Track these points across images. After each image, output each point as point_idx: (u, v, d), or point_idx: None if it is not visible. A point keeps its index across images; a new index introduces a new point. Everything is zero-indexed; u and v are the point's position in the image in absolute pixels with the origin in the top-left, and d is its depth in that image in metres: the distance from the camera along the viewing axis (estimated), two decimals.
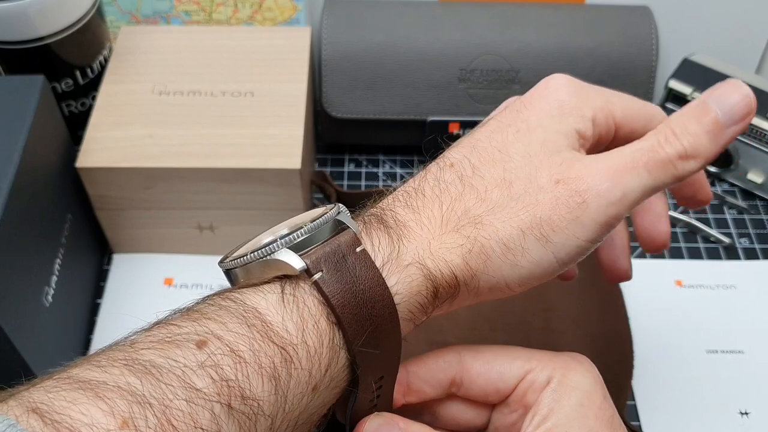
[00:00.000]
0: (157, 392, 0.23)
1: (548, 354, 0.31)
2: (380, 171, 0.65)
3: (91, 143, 0.51)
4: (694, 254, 0.60)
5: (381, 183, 0.64)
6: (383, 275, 0.28)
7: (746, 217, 0.62)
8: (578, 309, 0.55)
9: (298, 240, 0.27)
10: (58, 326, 0.48)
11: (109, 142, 0.51)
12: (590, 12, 0.62)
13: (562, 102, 0.32)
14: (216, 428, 0.23)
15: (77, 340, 0.52)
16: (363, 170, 0.65)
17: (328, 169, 0.65)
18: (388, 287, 0.28)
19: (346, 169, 0.65)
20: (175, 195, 0.52)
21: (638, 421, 0.50)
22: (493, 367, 0.31)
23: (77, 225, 0.52)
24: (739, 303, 0.56)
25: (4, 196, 0.41)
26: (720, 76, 0.62)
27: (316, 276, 0.27)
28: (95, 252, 0.56)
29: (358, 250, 0.28)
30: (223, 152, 0.51)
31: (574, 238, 0.30)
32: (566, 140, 0.31)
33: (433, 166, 0.32)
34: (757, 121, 0.59)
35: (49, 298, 0.47)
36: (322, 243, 0.28)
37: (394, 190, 0.32)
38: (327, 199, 0.59)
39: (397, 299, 0.28)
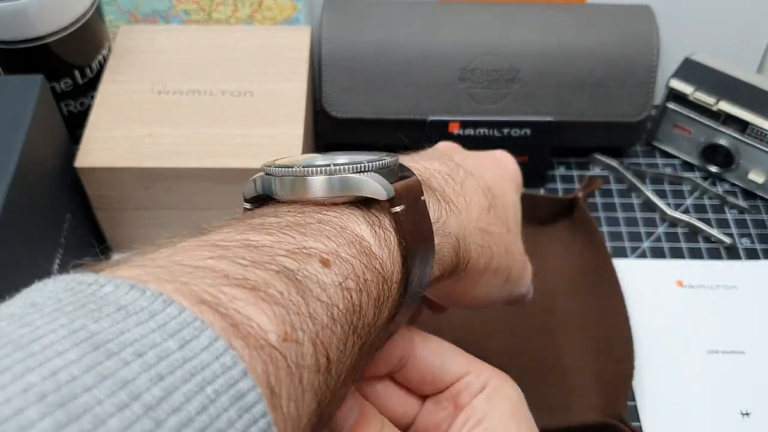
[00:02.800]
0: (308, 304, 0.22)
1: (485, 364, 0.33)
2: None
3: (90, 143, 0.51)
4: (695, 254, 0.59)
5: None
6: None
7: (747, 217, 0.62)
8: (579, 309, 0.55)
9: (384, 168, 0.27)
10: None
11: (108, 142, 0.51)
12: (591, 11, 0.62)
13: (519, 186, 0.40)
14: (343, 347, 0.23)
15: None
16: None
17: None
18: (435, 243, 0.28)
19: None
20: (174, 195, 0.52)
21: (639, 421, 0.49)
22: (437, 356, 0.32)
23: (76, 225, 0.52)
24: (740, 303, 0.56)
25: (2, 196, 0.41)
26: (721, 76, 0.62)
27: (398, 209, 0.26)
28: (95, 252, 0.56)
29: (422, 198, 0.28)
30: (223, 152, 0.51)
31: (511, 291, 0.38)
32: None
33: (452, 165, 0.33)
34: (758, 121, 0.59)
35: None
36: (398, 179, 0.27)
37: (410, 161, 0.33)
38: None
39: None
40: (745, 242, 0.60)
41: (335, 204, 0.27)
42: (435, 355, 0.32)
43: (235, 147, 0.51)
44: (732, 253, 0.60)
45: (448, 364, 0.32)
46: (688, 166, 0.66)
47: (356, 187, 0.26)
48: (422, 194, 0.28)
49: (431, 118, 0.61)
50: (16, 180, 0.42)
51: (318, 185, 0.26)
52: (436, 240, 0.28)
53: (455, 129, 0.61)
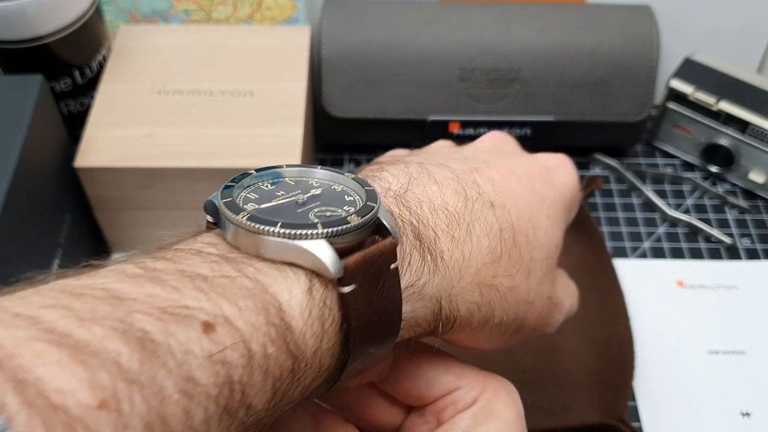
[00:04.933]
0: (150, 373, 0.19)
1: (480, 374, 0.30)
2: None
3: (89, 143, 0.51)
4: (696, 254, 0.59)
5: None
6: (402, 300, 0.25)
7: (748, 217, 0.62)
8: (579, 309, 0.55)
9: (343, 235, 0.23)
10: None
11: (107, 142, 0.51)
12: (591, 11, 0.62)
13: (572, 204, 0.33)
14: (206, 429, 0.20)
15: None
16: None
17: None
18: (402, 317, 0.25)
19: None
20: (174, 195, 0.52)
21: (639, 422, 0.49)
22: (424, 373, 0.30)
23: (76, 225, 0.52)
24: (740, 303, 0.56)
25: (2, 197, 0.41)
26: (721, 76, 0.62)
27: (347, 289, 0.23)
28: (94, 252, 0.56)
29: (392, 267, 0.24)
30: (223, 152, 0.51)
31: (529, 336, 0.33)
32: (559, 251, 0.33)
33: (472, 193, 0.30)
34: (758, 121, 0.59)
35: None
36: (361, 247, 0.24)
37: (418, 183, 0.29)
38: None
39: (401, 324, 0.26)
40: (746, 242, 0.60)
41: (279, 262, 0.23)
42: (420, 371, 0.30)
43: (235, 147, 0.51)
44: (732, 253, 0.60)
45: (435, 380, 0.30)
46: (688, 166, 0.66)
47: (295, 256, 0.23)
48: (394, 260, 0.24)
49: (431, 118, 0.61)
50: (16, 180, 0.42)
51: (240, 237, 0.23)
52: (408, 307, 0.26)
53: (455, 129, 0.61)
